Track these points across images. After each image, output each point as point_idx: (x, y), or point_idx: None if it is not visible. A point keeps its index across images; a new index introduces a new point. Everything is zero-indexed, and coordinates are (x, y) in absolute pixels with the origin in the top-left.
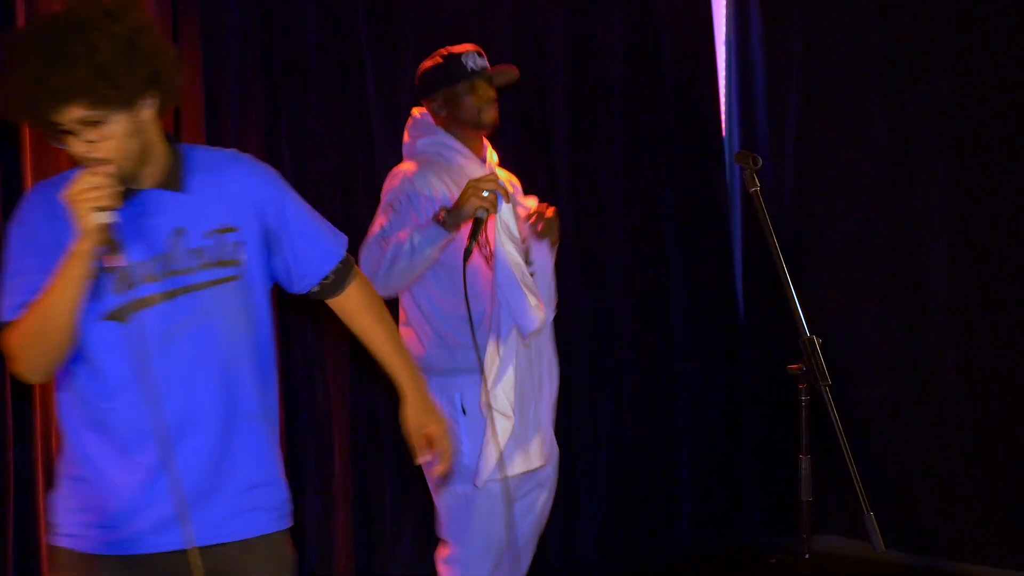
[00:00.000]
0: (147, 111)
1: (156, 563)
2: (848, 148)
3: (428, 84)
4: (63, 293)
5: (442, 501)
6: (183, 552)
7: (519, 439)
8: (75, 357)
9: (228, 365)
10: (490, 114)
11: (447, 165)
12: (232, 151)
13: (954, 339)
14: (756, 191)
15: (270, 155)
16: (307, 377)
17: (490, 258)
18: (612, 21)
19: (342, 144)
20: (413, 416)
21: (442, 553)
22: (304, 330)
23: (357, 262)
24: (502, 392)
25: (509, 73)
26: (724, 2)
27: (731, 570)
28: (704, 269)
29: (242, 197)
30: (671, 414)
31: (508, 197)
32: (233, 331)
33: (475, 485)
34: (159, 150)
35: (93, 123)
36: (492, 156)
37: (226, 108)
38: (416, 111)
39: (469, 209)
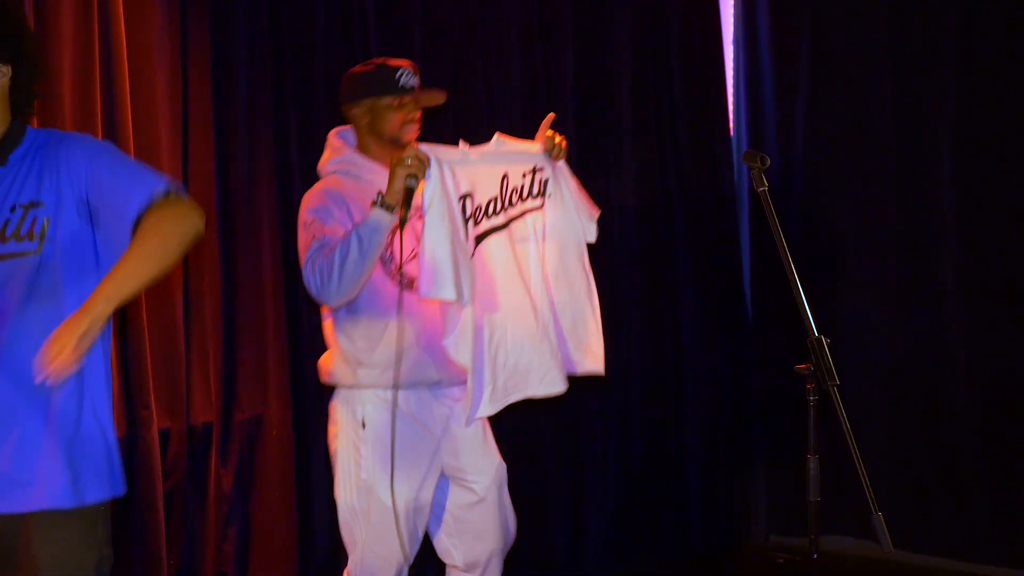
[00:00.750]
0: None
1: None
2: (857, 146)
3: (355, 90)
4: None
5: (341, 514)
6: None
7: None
8: None
9: (11, 341)
10: (410, 133)
11: (356, 180)
12: (75, 133)
13: (965, 338)
14: (764, 191)
15: (279, 153)
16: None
17: (395, 275)
18: (620, 20)
19: None
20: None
21: (347, 568)
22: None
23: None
24: (454, 351)
25: (437, 97)
26: (732, 1)
27: (739, 569)
28: (712, 268)
29: (60, 173)
30: (679, 413)
31: (429, 163)
32: (20, 306)
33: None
34: (2, 112)
35: None
36: None
37: (235, 105)
38: (332, 132)
39: (399, 182)
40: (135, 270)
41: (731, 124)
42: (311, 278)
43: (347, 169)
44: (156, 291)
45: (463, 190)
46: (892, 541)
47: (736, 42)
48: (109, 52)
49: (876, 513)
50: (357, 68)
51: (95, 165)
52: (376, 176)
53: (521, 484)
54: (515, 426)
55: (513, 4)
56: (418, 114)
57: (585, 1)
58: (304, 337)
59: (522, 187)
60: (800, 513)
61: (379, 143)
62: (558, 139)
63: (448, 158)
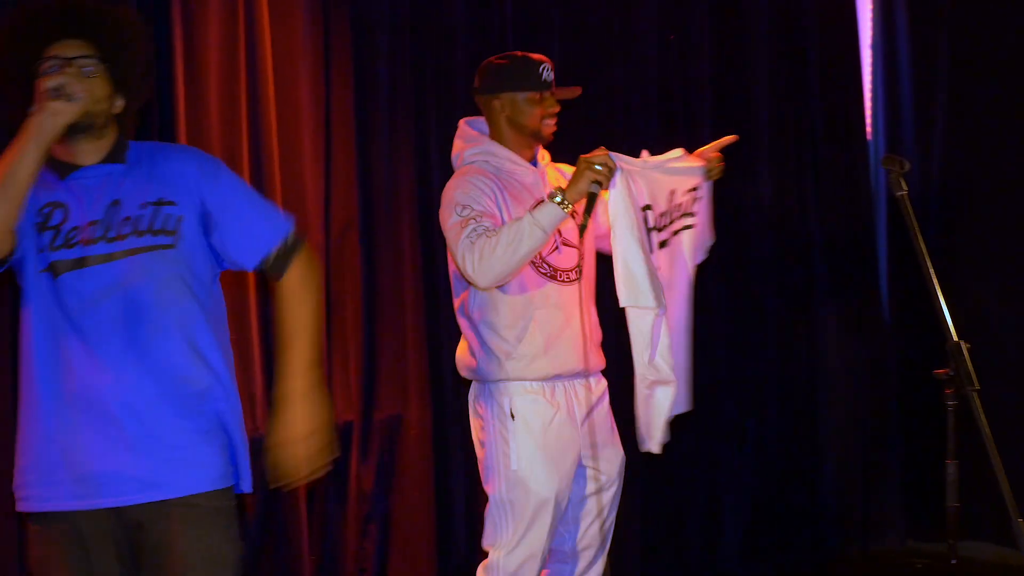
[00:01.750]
0: (119, 92)
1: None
2: (997, 150)
3: (495, 82)
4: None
5: (490, 509)
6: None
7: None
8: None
9: (156, 330)
10: (549, 128)
11: (496, 171)
12: (176, 144)
13: None
14: (903, 195)
15: (420, 154)
16: None
17: (540, 265)
18: (757, 22)
19: None
20: (283, 433)
21: (484, 563)
22: None
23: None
24: (661, 360)
25: (574, 91)
26: (870, 6)
27: (876, 573)
28: (849, 272)
29: (181, 178)
30: (814, 418)
31: (615, 172)
32: (159, 299)
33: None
34: (111, 130)
35: (80, 68)
36: (545, 159)
37: (376, 108)
38: (462, 122)
39: (584, 184)
40: (315, 344)
41: (868, 128)
42: (468, 256)
43: (487, 160)
44: None
45: (644, 201)
46: None
47: (874, 45)
48: (254, 57)
49: (1017, 519)
50: (496, 59)
51: (219, 183)
52: (517, 168)
53: (656, 490)
54: None
55: (651, 8)
56: (557, 108)
57: (723, 4)
58: (443, 338)
59: (683, 204)
60: (938, 519)
61: (518, 135)
62: (719, 163)
63: (631, 168)
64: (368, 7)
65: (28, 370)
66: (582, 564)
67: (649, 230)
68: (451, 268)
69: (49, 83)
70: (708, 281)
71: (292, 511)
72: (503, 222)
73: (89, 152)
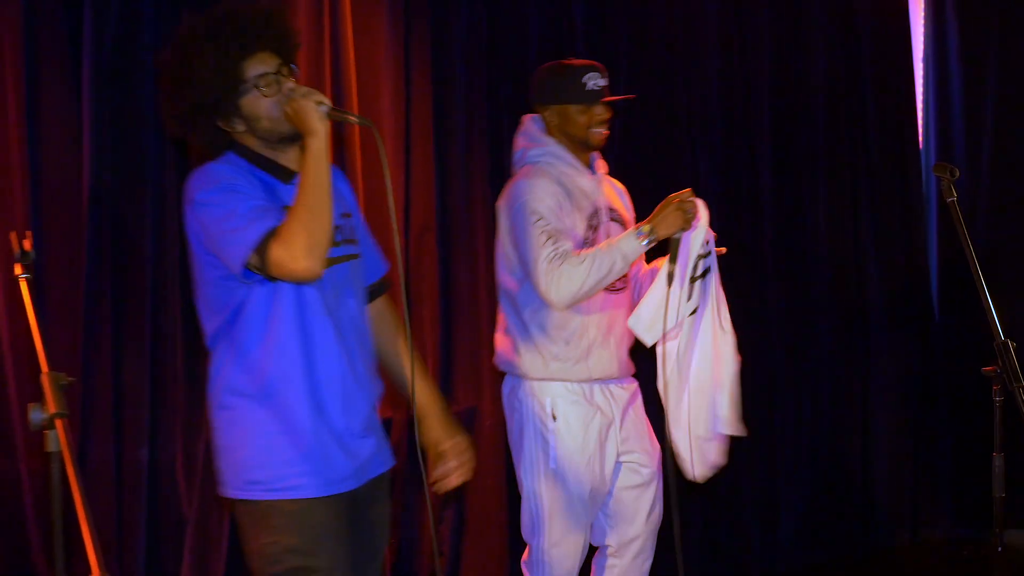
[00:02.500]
0: None
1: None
2: None
3: (544, 94)
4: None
5: (527, 503)
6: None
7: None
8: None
9: (366, 330)
10: (599, 136)
11: (557, 177)
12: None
13: None
14: (953, 201)
15: (494, 160)
16: None
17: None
18: (815, 36)
19: None
20: (434, 433)
21: (525, 556)
22: None
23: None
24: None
25: (623, 99)
26: (922, 19)
27: (924, 562)
28: (900, 274)
29: (345, 194)
30: (867, 411)
31: (698, 219)
32: (361, 301)
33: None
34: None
35: (282, 75)
36: (601, 167)
37: (453, 116)
38: (526, 118)
39: (673, 228)
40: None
41: (920, 137)
42: (551, 280)
43: (550, 162)
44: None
45: (707, 248)
46: None
47: (926, 58)
48: (339, 69)
49: None
50: (546, 69)
51: (357, 207)
52: (577, 173)
53: (717, 484)
54: None
55: (712, 17)
56: (607, 115)
57: (781, 19)
58: None
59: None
60: (985, 508)
61: (570, 142)
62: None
63: (704, 215)
64: (446, 21)
65: (280, 364)
66: (628, 557)
67: (693, 278)
68: (498, 255)
69: (315, 97)
70: (767, 282)
71: None
72: (570, 233)
73: (294, 159)
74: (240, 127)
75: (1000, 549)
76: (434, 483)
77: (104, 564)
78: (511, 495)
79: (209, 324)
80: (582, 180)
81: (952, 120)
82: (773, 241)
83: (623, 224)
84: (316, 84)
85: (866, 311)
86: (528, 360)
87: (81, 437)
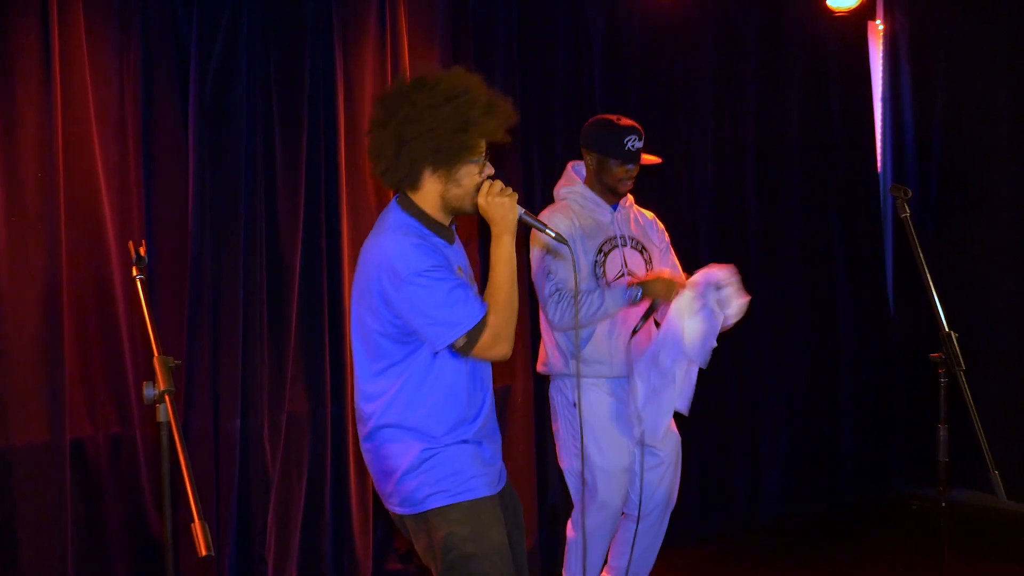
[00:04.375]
0: None
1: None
2: (981, 183)
3: (589, 140)
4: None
5: (566, 478)
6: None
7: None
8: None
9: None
10: (625, 187)
11: (579, 210)
12: None
13: None
14: (906, 216)
15: (526, 185)
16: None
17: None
18: (792, 82)
19: None
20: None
21: (570, 519)
22: None
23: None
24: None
25: (655, 160)
26: (880, 65)
27: (882, 512)
28: (862, 275)
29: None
30: (835, 389)
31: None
32: None
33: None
34: None
35: (487, 161)
36: (628, 202)
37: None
38: (570, 165)
39: (655, 296)
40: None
41: (878, 162)
42: (552, 312)
43: (576, 199)
44: None
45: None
46: (1006, 493)
47: (883, 98)
48: None
49: (993, 471)
50: (597, 120)
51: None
52: (597, 209)
53: (711, 444)
54: (706, 406)
55: (706, 69)
56: (636, 172)
57: (764, 68)
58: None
59: None
60: (932, 471)
61: (601, 186)
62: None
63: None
64: (487, 68)
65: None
66: (650, 521)
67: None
68: (535, 274)
69: (515, 199)
70: (751, 280)
71: None
72: (576, 247)
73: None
74: (438, 184)
75: (943, 504)
76: None
77: (203, 513)
78: (539, 461)
79: (373, 365)
80: (601, 215)
81: (905, 149)
82: (758, 249)
83: (641, 249)
84: None
85: (834, 306)
86: (554, 360)
87: (185, 410)
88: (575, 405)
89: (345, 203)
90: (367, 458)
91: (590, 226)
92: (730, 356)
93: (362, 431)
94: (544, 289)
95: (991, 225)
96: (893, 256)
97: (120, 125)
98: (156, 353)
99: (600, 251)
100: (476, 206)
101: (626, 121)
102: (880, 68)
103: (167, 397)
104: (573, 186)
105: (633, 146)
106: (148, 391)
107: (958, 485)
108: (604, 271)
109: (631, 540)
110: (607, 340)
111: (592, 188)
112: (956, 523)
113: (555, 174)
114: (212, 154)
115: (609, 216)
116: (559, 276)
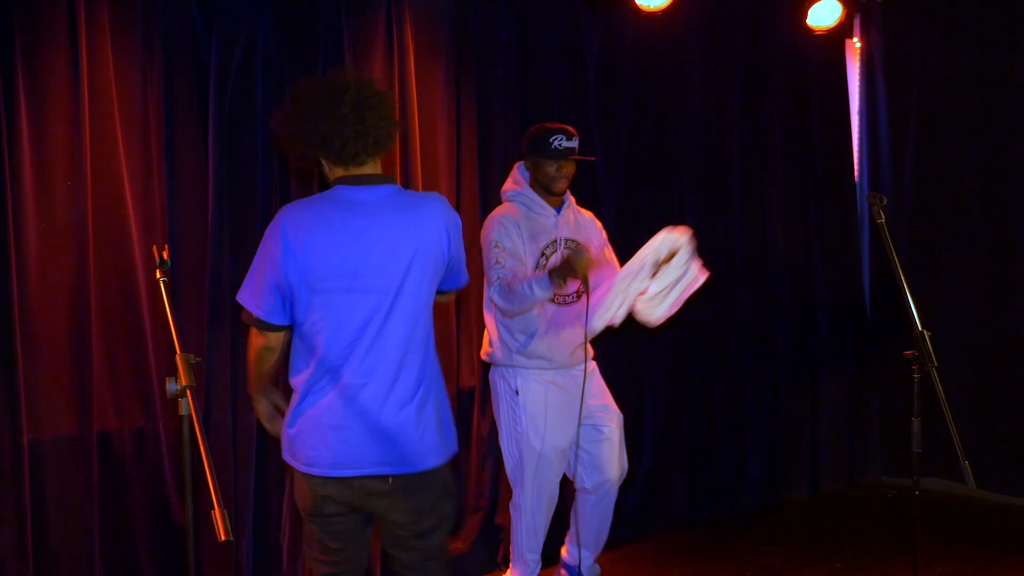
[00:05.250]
0: None
1: None
2: (952, 190)
3: (526, 146)
4: None
5: (504, 460)
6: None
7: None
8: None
9: None
10: (560, 185)
11: (526, 213)
12: None
13: None
14: (882, 223)
15: None
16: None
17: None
18: (776, 97)
19: None
20: None
21: (511, 499)
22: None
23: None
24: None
25: (582, 159)
26: (858, 81)
27: (860, 499)
28: (840, 277)
29: None
30: (815, 384)
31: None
32: None
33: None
34: None
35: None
36: (569, 203)
37: (492, 156)
38: (517, 165)
39: (567, 275)
40: None
41: (856, 172)
42: (496, 294)
43: (523, 201)
44: None
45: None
46: (975, 482)
47: (860, 114)
48: (405, 116)
49: (963, 461)
50: (532, 130)
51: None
52: (542, 211)
53: (698, 437)
54: (693, 400)
55: (695, 89)
56: (568, 170)
57: (750, 81)
58: None
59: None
60: (906, 461)
61: (540, 186)
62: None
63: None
64: (488, 80)
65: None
66: (599, 494)
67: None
68: (485, 262)
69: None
70: (737, 284)
71: None
72: (523, 252)
73: None
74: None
75: (917, 492)
76: None
77: (222, 501)
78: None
79: (419, 329)
80: (545, 219)
81: (880, 159)
82: (743, 252)
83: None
84: None
85: (814, 307)
86: (499, 351)
87: (205, 404)
88: (517, 393)
89: None
90: (423, 424)
91: (535, 229)
92: (716, 354)
93: (412, 401)
94: (487, 269)
95: (961, 231)
96: (869, 260)
97: (144, 137)
98: (178, 350)
99: (543, 254)
100: None
101: (557, 124)
102: (857, 83)
103: (189, 392)
104: (520, 188)
105: (560, 144)
106: (171, 386)
107: (931, 474)
108: (544, 265)
109: (589, 510)
110: (547, 337)
111: (535, 191)
112: (928, 510)
113: None
114: (230, 164)
115: (553, 220)
116: (505, 247)
